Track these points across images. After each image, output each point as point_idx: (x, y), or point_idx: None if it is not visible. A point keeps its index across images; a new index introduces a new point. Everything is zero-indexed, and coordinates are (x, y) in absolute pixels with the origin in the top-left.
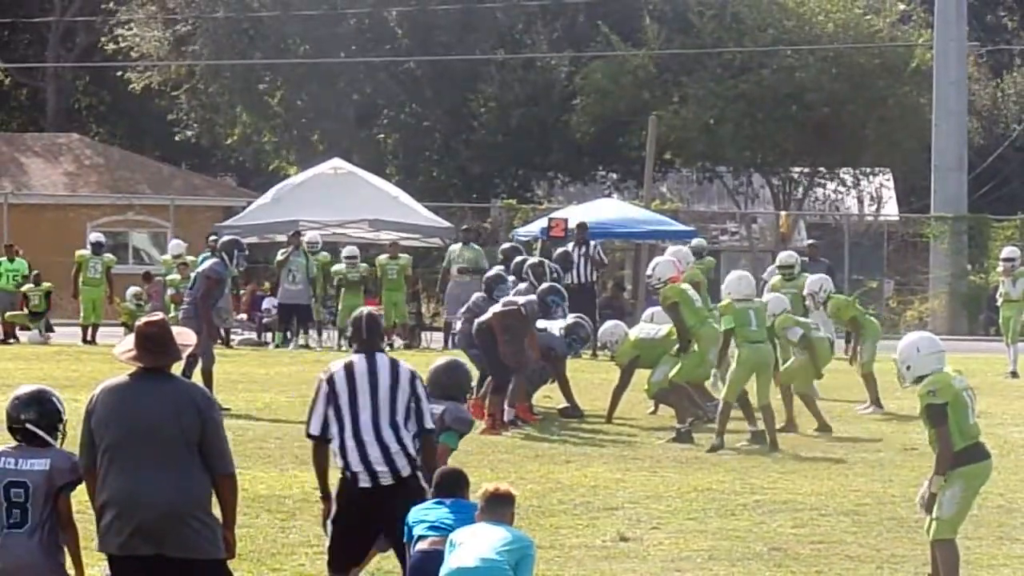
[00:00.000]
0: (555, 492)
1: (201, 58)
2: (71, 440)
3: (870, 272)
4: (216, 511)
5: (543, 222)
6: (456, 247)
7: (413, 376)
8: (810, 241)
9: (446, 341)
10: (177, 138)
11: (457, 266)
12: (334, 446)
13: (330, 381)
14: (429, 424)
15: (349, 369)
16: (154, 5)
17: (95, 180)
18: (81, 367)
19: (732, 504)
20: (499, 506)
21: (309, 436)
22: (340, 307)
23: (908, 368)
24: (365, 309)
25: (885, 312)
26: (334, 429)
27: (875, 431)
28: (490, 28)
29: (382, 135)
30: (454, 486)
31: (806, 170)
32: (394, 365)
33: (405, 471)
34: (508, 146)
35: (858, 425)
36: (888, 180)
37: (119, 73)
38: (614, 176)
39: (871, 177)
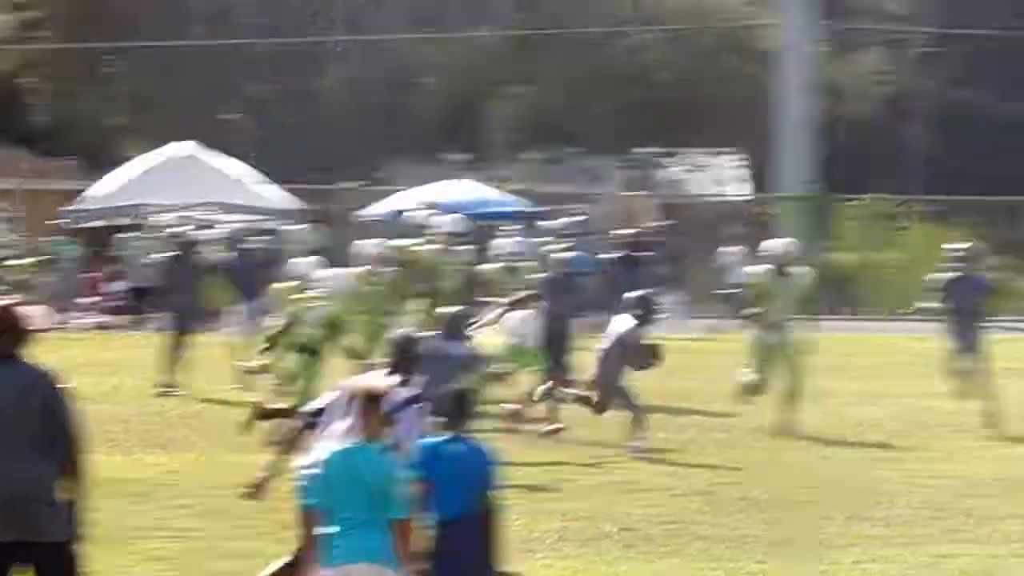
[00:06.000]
0: None
1: (49, 42)
2: None
3: None
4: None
5: (391, 202)
6: (303, 227)
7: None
8: (654, 224)
9: None
10: (26, 121)
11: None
12: None
13: None
14: None
15: None
16: None
17: None
18: None
19: (581, 485)
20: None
21: None
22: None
23: None
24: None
25: None
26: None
27: (725, 410)
28: (337, 8)
29: (231, 116)
30: None
31: (656, 150)
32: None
33: None
34: (356, 127)
35: (709, 404)
36: (738, 160)
37: None
38: (464, 156)
39: (721, 157)
